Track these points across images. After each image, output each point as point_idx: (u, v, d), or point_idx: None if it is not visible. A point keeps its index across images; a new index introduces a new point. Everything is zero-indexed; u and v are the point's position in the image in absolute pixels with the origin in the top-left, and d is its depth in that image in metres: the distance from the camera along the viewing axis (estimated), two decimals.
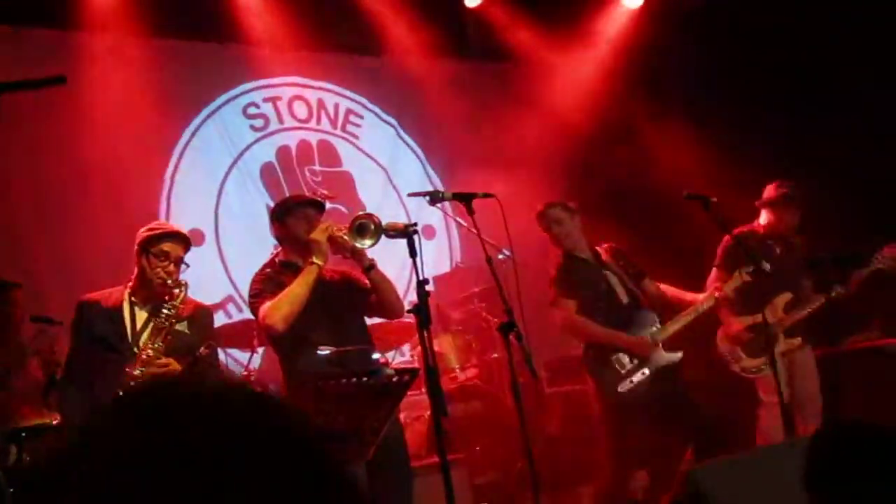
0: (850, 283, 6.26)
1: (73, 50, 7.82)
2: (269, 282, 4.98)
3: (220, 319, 7.76)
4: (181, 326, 4.79)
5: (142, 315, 4.79)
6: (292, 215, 5.10)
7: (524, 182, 8.95)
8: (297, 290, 4.77)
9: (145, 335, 4.71)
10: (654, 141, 8.49)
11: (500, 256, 5.91)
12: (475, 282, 8.00)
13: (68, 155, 7.65)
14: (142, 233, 4.85)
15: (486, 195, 4.92)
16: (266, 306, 4.81)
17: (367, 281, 4.93)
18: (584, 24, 9.76)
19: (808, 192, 6.82)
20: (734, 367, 6.42)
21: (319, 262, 4.80)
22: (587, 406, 7.96)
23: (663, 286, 6.29)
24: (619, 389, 5.78)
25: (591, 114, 9.58)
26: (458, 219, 5.78)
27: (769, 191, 6.73)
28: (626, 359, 5.83)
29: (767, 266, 5.93)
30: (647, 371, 5.79)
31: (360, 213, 4.97)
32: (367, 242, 4.77)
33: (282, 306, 4.76)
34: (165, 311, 4.68)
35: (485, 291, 7.82)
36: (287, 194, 8.23)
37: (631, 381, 5.78)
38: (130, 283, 4.87)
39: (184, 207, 8.40)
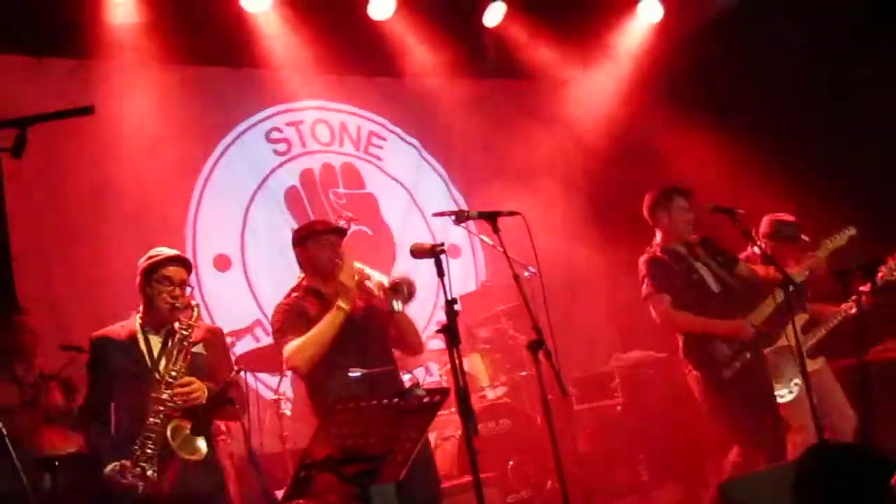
0: (861, 297, 6.18)
1: (95, 78, 7.89)
2: (291, 313, 5.02)
3: (248, 344, 7.81)
4: (197, 349, 4.82)
5: (156, 341, 4.81)
6: (314, 242, 5.16)
7: (548, 199, 8.99)
8: (320, 334, 4.85)
9: (164, 360, 4.73)
10: (676, 154, 8.47)
11: (527, 274, 5.90)
12: (502, 300, 8.00)
13: (93, 183, 7.70)
14: (142, 263, 4.88)
15: (512, 213, 4.92)
16: (291, 348, 4.87)
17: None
18: (602, 40, 9.77)
19: (830, 206, 6.81)
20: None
21: (345, 308, 4.88)
22: (616, 422, 7.96)
23: (760, 268, 6.24)
24: (724, 375, 5.79)
25: (612, 128, 9.59)
26: (483, 237, 5.76)
27: (765, 226, 6.67)
28: (724, 346, 5.82)
29: (802, 275, 5.93)
30: (748, 354, 5.79)
31: (399, 277, 4.97)
32: (400, 304, 4.83)
33: (306, 349, 4.83)
34: (181, 332, 4.71)
35: (511, 309, 7.82)
36: (311, 217, 8.28)
37: (735, 365, 5.78)
38: (140, 314, 4.89)
39: (210, 233, 8.45)
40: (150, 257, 4.90)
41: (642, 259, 6.15)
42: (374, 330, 5.12)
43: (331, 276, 5.03)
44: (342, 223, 5.49)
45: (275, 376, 7.45)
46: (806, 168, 7.83)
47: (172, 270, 4.83)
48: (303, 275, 5.31)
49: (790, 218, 6.64)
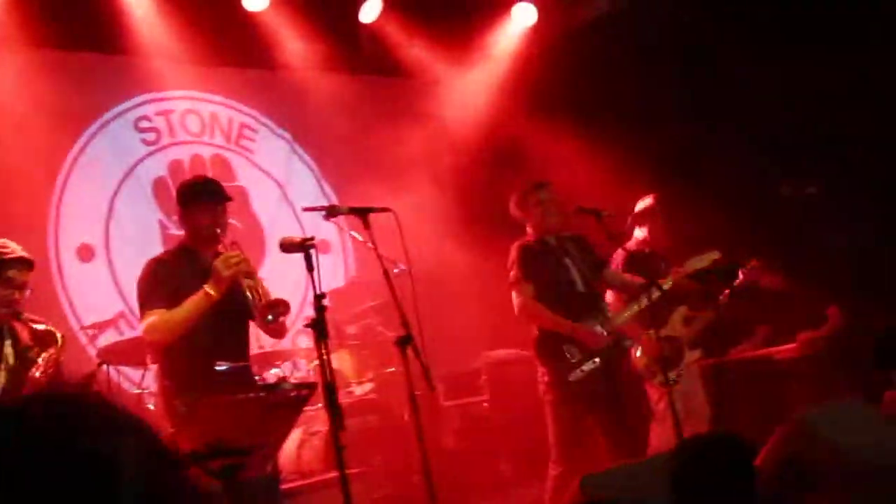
0: (722, 297, 6.43)
1: None
2: (160, 272, 4.88)
3: (111, 336, 7.65)
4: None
5: None
6: (196, 205, 5.00)
7: (419, 196, 9.01)
8: (183, 315, 4.70)
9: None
10: (546, 156, 8.60)
11: (396, 270, 5.92)
12: (371, 296, 8.00)
13: None
14: None
15: (383, 209, 4.94)
16: (151, 322, 4.73)
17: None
18: (476, 41, 9.85)
19: (689, 206, 7.03)
20: (654, 382, 6.42)
21: (214, 294, 4.71)
22: (483, 419, 8.05)
23: (626, 276, 6.35)
24: (570, 379, 5.81)
25: (484, 129, 9.69)
26: (353, 233, 5.77)
27: (641, 206, 6.89)
28: (575, 350, 5.84)
29: (667, 283, 6.07)
30: (598, 360, 5.82)
31: (278, 299, 4.85)
32: (269, 318, 4.75)
33: (165, 328, 4.71)
34: (34, 360, 4.53)
35: (380, 306, 7.82)
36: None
37: (581, 371, 5.81)
38: None
39: (73, 222, 8.24)
40: None
41: (514, 246, 6.17)
42: (239, 313, 4.98)
43: (209, 242, 4.89)
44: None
45: (138, 370, 7.30)
46: (671, 172, 8.03)
47: (15, 273, 4.59)
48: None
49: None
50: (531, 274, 6.02)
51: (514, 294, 6.08)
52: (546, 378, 5.98)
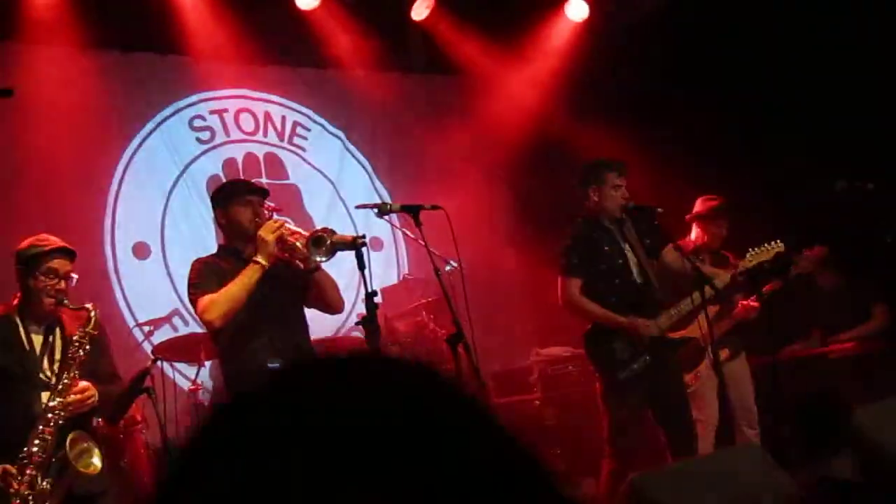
0: (763, 289, 6.29)
1: (15, 62, 7.74)
2: (207, 270, 4.88)
3: (166, 333, 7.74)
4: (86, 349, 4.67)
5: (38, 338, 4.61)
6: (235, 201, 5.00)
7: (471, 194, 9.02)
8: (237, 289, 4.69)
9: (46, 362, 4.55)
10: (597, 154, 8.55)
11: (448, 268, 5.93)
12: (423, 293, 8.02)
13: (10, 167, 7.56)
14: (23, 251, 4.64)
15: (434, 207, 4.94)
16: (204, 301, 4.72)
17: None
18: (528, 37, 9.83)
19: (741, 207, 6.96)
20: (688, 376, 6.38)
21: (263, 262, 4.70)
22: (534, 417, 8.03)
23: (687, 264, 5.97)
24: (620, 377, 5.68)
25: (535, 126, 9.64)
26: (405, 230, 5.79)
27: (698, 205, 6.85)
28: (624, 346, 5.70)
29: (722, 281, 5.98)
30: (647, 358, 5.68)
31: (319, 227, 4.91)
32: (322, 258, 4.73)
33: (221, 304, 4.67)
34: (78, 341, 4.55)
35: (432, 303, 7.84)
36: None
37: (632, 369, 5.68)
38: (17, 303, 4.67)
39: (129, 221, 8.35)
40: (36, 245, 4.66)
41: (568, 231, 5.97)
42: (292, 287, 4.99)
43: (251, 237, 4.85)
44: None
45: (192, 366, 7.38)
46: (726, 168, 7.96)
47: (59, 263, 4.62)
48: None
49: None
50: (581, 267, 5.82)
51: (559, 283, 5.91)
52: (597, 373, 5.92)
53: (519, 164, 10.00)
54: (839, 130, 7.61)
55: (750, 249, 6.15)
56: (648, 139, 8.33)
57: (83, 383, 4.47)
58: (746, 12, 8.21)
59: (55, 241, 4.72)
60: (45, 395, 4.44)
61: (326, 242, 4.70)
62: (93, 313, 4.64)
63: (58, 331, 4.65)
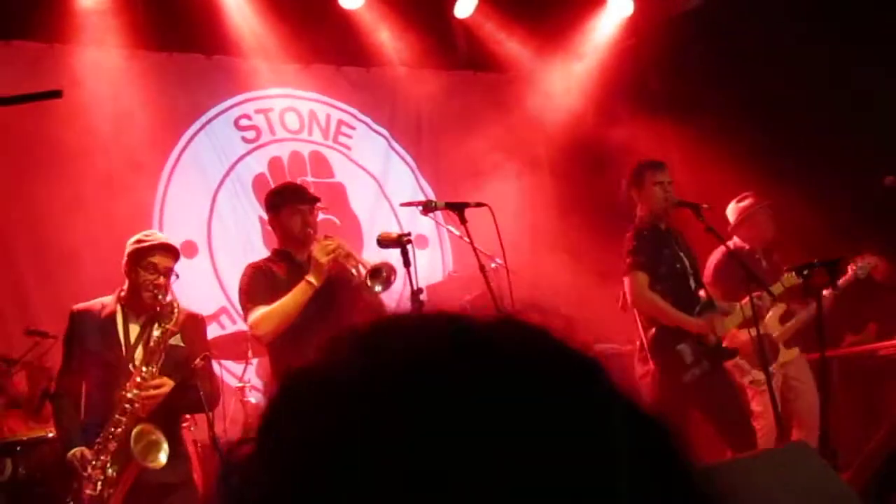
0: (825, 294, 6.18)
1: (62, 63, 7.82)
2: (260, 276, 4.99)
3: (213, 331, 7.78)
4: (175, 340, 4.81)
5: (135, 328, 4.81)
6: (286, 209, 5.11)
7: (515, 191, 9.01)
8: (288, 306, 4.80)
9: (139, 353, 4.70)
10: (641, 150, 8.51)
11: (493, 265, 5.93)
12: (468, 290, 8.01)
13: (58, 167, 7.64)
14: (131, 244, 4.85)
15: (479, 204, 4.96)
16: (256, 316, 4.83)
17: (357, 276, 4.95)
18: (572, 33, 9.79)
19: (790, 204, 6.89)
20: (742, 380, 6.32)
21: (315, 283, 4.81)
22: None
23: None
24: (684, 380, 5.69)
25: (580, 122, 9.62)
26: (450, 228, 5.79)
27: (732, 212, 6.75)
28: (689, 349, 5.70)
29: (778, 288, 5.94)
30: (707, 364, 5.70)
31: (381, 263, 4.93)
32: (379, 287, 4.80)
33: (271, 320, 4.79)
34: (157, 333, 4.68)
35: (477, 299, 7.80)
36: None
37: (694, 373, 5.69)
38: (123, 294, 4.87)
39: (176, 220, 8.41)
40: (140, 241, 4.87)
41: (630, 232, 5.95)
42: (342, 300, 5.06)
43: (303, 243, 4.97)
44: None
45: (239, 364, 7.44)
46: (773, 165, 7.88)
47: (160, 258, 4.81)
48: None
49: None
50: (647, 263, 5.81)
51: (626, 281, 5.88)
52: (656, 374, 5.86)
53: (563, 160, 9.97)
54: (887, 125, 7.51)
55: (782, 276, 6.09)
56: (692, 136, 8.28)
57: (161, 378, 4.58)
58: (791, 5, 8.13)
59: (159, 237, 4.98)
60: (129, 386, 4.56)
61: (383, 275, 4.76)
62: (176, 309, 4.78)
63: (156, 324, 4.78)
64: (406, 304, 4.97)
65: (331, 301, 4.99)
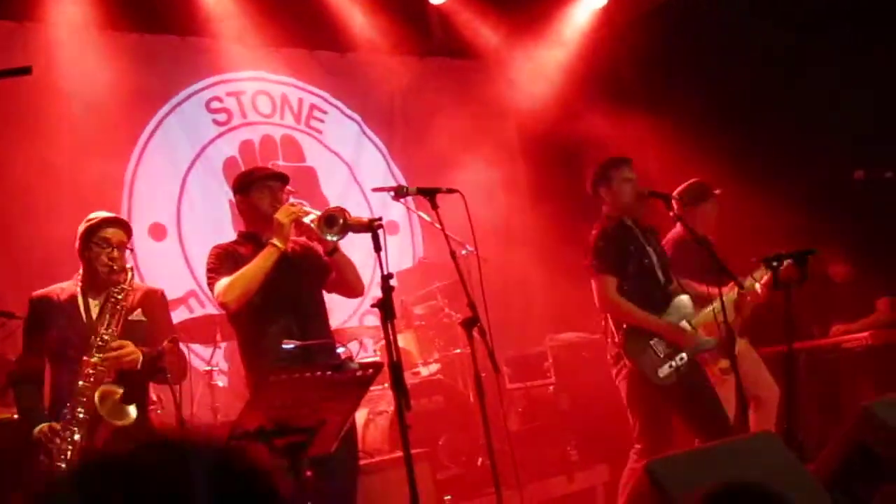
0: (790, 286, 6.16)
1: (32, 42, 7.77)
2: (226, 255, 4.95)
3: (182, 314, 7.75)
4: (136, 316, 4.80)
5: (95, 305, 4.80)
6: (256, 187, 5.06)
7: (487, 178, 9.02)
8: (253, 271, 4.75)
9: (102, 325, 4.70)
10: (613, 140, 8.53)
11: (464, 252, 5.92)
12: (438, 277, 8.01)
13: (28, 148, 7.56)
14: (82, 225, 4.86)
15: (451, 190, 4.94)
16: (221, 283, 4.78)
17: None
18: (546, 23, 9.81)
19: (760, 193, 6.92)
20: (713, 369, 6.31)
21: (280, 245, 4.78)
22: (548, 402, 8.04)
23: (692, 283, 6.06)
24: (660, 374, 5.65)
25: (553, 112, 9.63)
26: (421, 214, 5.78)
27: (682, 195, 6.71)
28: (662, 345, 5.67)
29: (742, 283, 5.93)
30: (684, 356, 5.67)
31: (332, 206, 4.96)
32: (334, 237, 4.76)
33: (237, 286, 4.74)
34: (115, 296, 4.68)
35: (447, 287, 7.84)
36: None
37: (670, 366, 5.65)
38: (80, 278, 4.87)
39: (146, 202, 8.37)
40: (89, 220, 4.86)
41: (595, 231, 5.89)
42: (311, 272, 5.05)
43: (270, 223, 4.89)
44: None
45: (208, 347, 7.41)
46: (741, 155, 7.93)
47: (111, 232, 4.81)
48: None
49: (694, 181, 6.72)
50: (614, 265, 5.77)
51: (594, 284, 5.84)
52: (630, 374, 5.84)
53: (536, 149, 9.99)
54: (859, 118, 7.56)
55: (750, 276, 6.06)
56: (663, 127, 8.31)
57: (121, 341, 4.56)
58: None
59: (105, 213, 4.92)
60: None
61: (339, 221, 4.72)
62: (130, 273, 4.78)
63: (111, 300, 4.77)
64: (376, 290, 4.94)
65: (299, 275, 4.96)
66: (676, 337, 5.70)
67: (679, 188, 6.64)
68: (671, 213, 5.86)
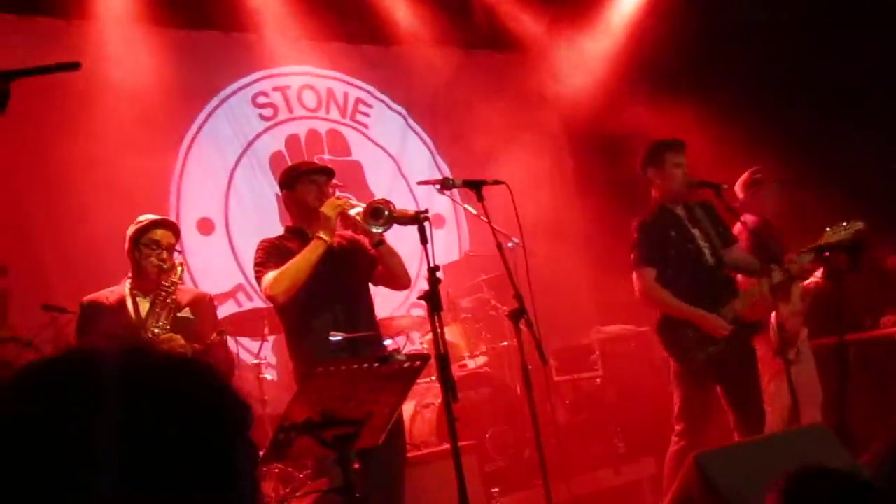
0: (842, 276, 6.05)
1: (79, 40, 7.82)
2: (273, 249, 4.96)
3: (230, 308, 7.82)
4: (184, 314, 4.86)
5: (144, 305, 4.88)
6: (302, 181, 5.07)
7: (533, 170, 8.98)
8: (300, 264, 4.76)
9: (151, 320, 4.76)
10: (660, 129, 8.47)
11: (510, 245, 5.90)
12: (484, 270, 8.00)
13: (77, 145, 7.63)
14: (131, 227, 4.95)
15: (497, 182, 4.93)
16: (269, 277, 4.80)
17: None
18: (591, 12, 9.76)
19: (805, 183, 6.84)
20: (782, 357, 6.23)
21: (326, 239, 4.79)
22: (595, 395, 8.01)
23: (749, 256, 6.02)
24: (694, 362, 5.65)
25: (599, 102, 9.58)
26: (467, 206, 5.76)
27: (739, 190, 6.65)
28: (693, 334, 5.64)
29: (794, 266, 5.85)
30: (719, 343, 5.62)
31: (378, 198, 4.98)
32: (380, 229, 4.77)
33: (284, 279, 4.75)
34: (164, 290, 4.74)
35: (494, 279, 7.83)
36: None
37: (707, 352, 5.62)
38: (129, 279, 4.96)
39: (194, 197, 8.43)
40: (138, 222, 4.95)
41: (634, 224, 5.88)
42: (358, 274, 5.07)
43: (317, 216, 4.91)
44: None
45: (256, 341, 7.44)
46: (791, 143, 7.84)
47: (160, 234, 4.90)
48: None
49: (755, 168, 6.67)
50: (654, 256, 5.75)
51: (634, 276, 5.83)
52: (671, 357, 5.84)
53: (582, 139, 9.95)
54: None
55: (829, 228, 5.93)
56: (711, 115, 8.23)
57: (171, 335, 4.62)
58: None
59: (153, 216, 5.04)
60: None
61: (384, 213, 4.74)
62: (179, 264, 4.90)
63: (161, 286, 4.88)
64: (423, 283, 4.95)
65: (346, 268, 4.97)
66: (709, 327, 5.64)
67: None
68: (722, 203, 5.79)
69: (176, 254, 5.01)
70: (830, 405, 6.36)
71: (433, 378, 6.59)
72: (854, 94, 7.81)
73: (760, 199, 6.57)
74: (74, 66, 2.60)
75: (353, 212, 4.83)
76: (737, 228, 6.21)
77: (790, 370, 5.54)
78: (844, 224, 5.83)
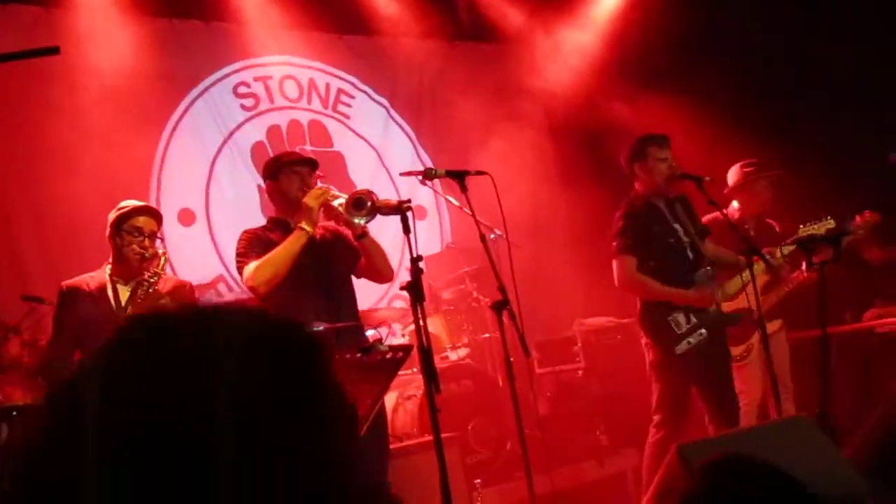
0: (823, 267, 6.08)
1: (60, 28, 7.74)
2: (255, 240, 4.98)
3: (211, 299, 7.76)
4: (165, 301, 4.83)
5: (125, 292, 4.88)
6: (285, 172, 5.09)
7: (516, 162, 8.96)
8: (282, 254, 4.78)
9: (131, 308, 4.74)
10: (643, 121, 8.47)
11: (493, 236, 5.88)
12: (467, 262, 7.98)
13: (57, 134, 7.57)
14: (113, 212, 4.93)
15: (480, 172, 4.91)
16: (250, 267, 4.81)
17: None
18: (574, 5, 9.74)
19: (792, 175, 6.85)
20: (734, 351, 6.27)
21: (308, 229, 4.81)
22: (577, 387, 8.00)
23: (723, 249, 6.12)
24: (677, 350, 5.67)
25: (582, 94, 9.57)
26: (449, 198, 5.75)
27: (733, 174, 6.72)
28: (682, 319, 5.69)
29: (776, 258, 5.91)
30: (704, 332, 5.67)
31: (360, 188, 4.97)
32: (363, 219, 4.76)
33: (266, 269, 4.76)
34: (147, 280, 4.73)
35: (476, 271, 7.81)
36: None
37: (689, 342, 5.66)
38: (110, 266, 4.95)
39: (174, 187, 8.37)
40: (120, 208, 4.93)
41: (618, 212, 5.94)
42: (340, 266, 5.07)
43: (300, 207, 4.93)
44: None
45: None
46: (773, 140, 7.85)
47: (142, 221, 4.89)
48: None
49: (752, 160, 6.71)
50: (635, 246, 5.81)
51: (614, 264, 5.90)
52: (651, 348, 5.87)
53: (565, 131, 9.93)
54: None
55: (802, 225, 6.07)
56: (695, 107, 8.23)
57: None
58: None
59: (136, 202, 5.03)
60: None
61: (367, 204, 4.74)
62: (162, 253, 4.90)
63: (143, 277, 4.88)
64: (405, 274, 4.93)
65: (328, 260, 4.97)
66: (697, 299, 5.68)
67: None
68: (704, 196, 5.81)
69: (158, 242, 4.98)
70: (812, 398, 6.38)
71: (415, 370, 6.57)
72: (840, 84, 7.82)
73: (753, 191, 6.61)
74: (54, 51, 2.57)
75: (335, 202, 4.82)
76: (710, 217, 6.26)
77: (769, 354, 5.55)
78: (819, 221, 6.10)
